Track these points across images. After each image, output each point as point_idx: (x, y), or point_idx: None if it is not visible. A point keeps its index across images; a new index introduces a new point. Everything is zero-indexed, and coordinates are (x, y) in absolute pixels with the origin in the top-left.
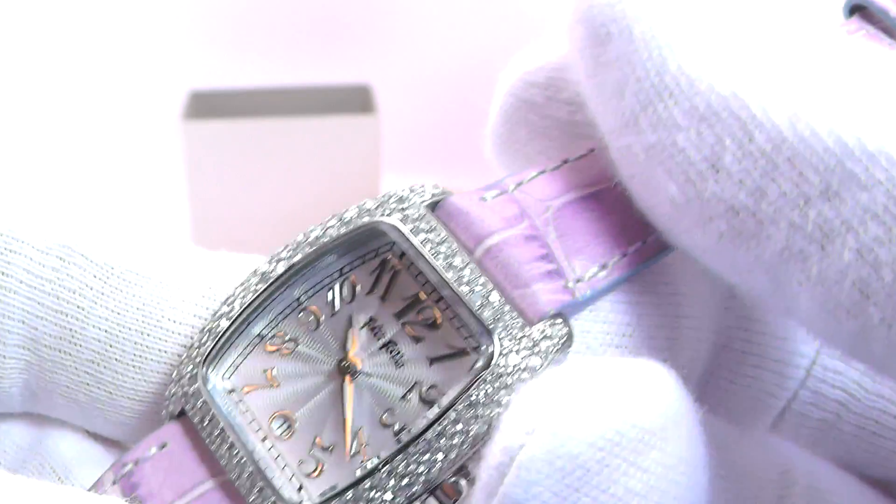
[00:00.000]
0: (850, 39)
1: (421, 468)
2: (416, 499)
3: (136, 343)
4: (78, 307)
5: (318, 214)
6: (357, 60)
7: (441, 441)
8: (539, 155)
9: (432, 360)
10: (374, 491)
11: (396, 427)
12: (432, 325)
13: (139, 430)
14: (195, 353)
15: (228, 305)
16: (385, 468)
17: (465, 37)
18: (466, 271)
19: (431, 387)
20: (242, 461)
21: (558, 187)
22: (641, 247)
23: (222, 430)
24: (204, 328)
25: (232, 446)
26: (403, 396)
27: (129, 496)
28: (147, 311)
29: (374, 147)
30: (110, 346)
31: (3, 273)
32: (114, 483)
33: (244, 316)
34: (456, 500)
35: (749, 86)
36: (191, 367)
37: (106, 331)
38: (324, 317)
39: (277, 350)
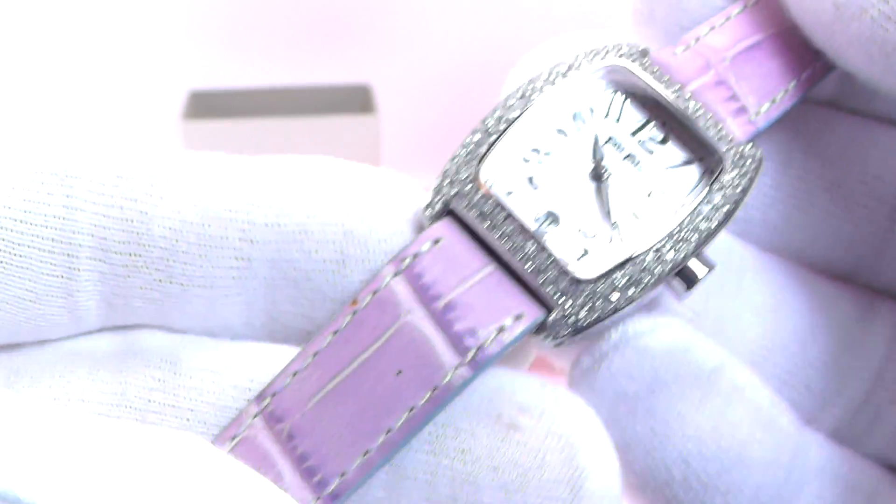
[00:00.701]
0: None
1: (671, 254)
2: (661, 280)
3: (198, 234)
4: (140, 211)
5: None
6: (357, 60)
7: (688, 229)
8: (676, 27)
9: (666, 169)
10: (640, 271)
11: (648, 220)
12: (662, 142)
13: (212, 317)
14: (464, 155)
15: (491, 121)
16: (645, 253)
17: (465, 37)
18: (690, 102)
19: (671, 190)
20: (522, 244)
21: (731, 38)
22: (809, 74)
23: (499, 219)
24: (468, 141)
25: (511, 232)
26: (649, 194)
27: (415, 285)
28: (204, 205)
29: (373, 147)
30: (176, 241)
31: (68, 195)
32: (396, 275)
33: (505, 128)
34: (694, 284)
35: None
36: (461, 169)
37: (170, 227)
38: (572, 132)
39: (534, 160)
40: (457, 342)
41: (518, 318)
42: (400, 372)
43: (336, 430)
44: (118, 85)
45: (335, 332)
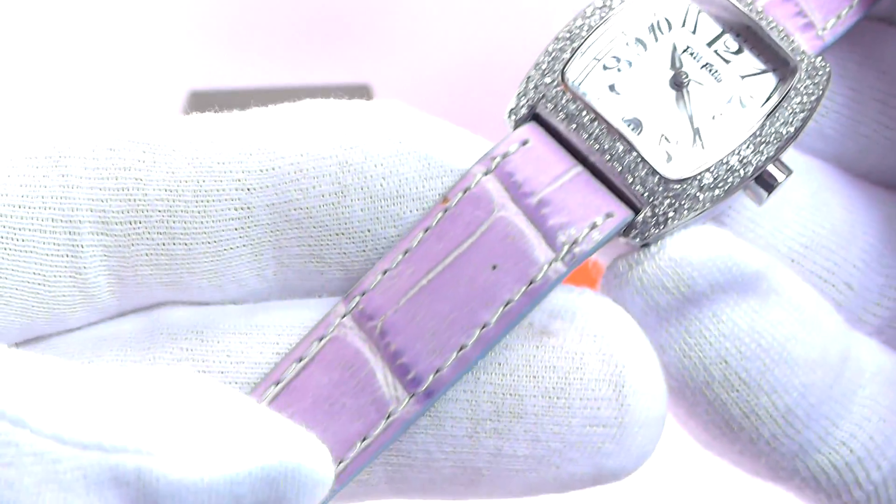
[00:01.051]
0: None
1: (754, 157)
2: (745, 182)
3: (194, 191)
4: (135, 179)
5: None
6: (357, 60)
7: (769, 133)
8: None
9: (743, 77)
10: (725, 172)
11: (729, 126)
12: (737, 52)
13: (223, 275)
14: (548, 61)
15: (574, 29)
16: (730, 156)
17: (465, 37)
18: (762, 15)
19: (749, 97)
20: (611, 144)
21: None
22: None
23: (585, 121)
24: (551, 49)
25: (598, 134)
26: (729, 101)
27: (506, 183)
28: (197, 161)
29: None
30: (173, 201)
31: (63, 175)
32: (486, 174)
33: (587, 35)
34: (773, 189)
35: None
36: (545, 74)
37: (166, 189)
38: (651, 42)
39: (615, 67)
40: (550, 238)
41: (608, 216)
42: (495, 266)
43: (430, 327)
44: (118, 84)
45: (426, 230)
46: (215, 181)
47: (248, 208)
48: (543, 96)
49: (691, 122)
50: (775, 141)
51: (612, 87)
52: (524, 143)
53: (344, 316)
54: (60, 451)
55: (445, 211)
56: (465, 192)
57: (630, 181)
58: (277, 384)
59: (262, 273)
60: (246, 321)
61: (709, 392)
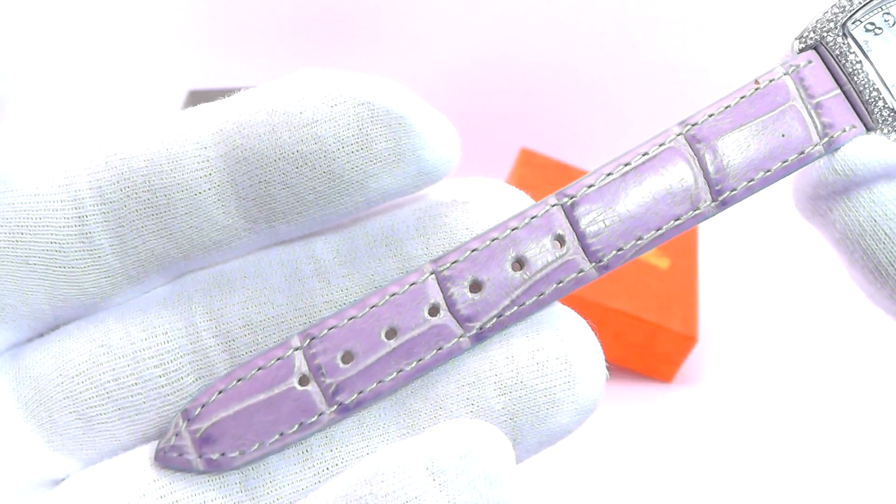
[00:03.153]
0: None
1: None
2: None
3: (167, 153)
4: (121, 158)
5: None
6: (357, 60)
7: None
8: None
9: None
10: None
11: None
12: None
13: (212, 227)
14: (834, 11)
15: None
16: None
17: (466, 37)
18: None
19: None
20: (864, 84)
21: None
22: None
23: (853, 60)
24: (840, 3)
25: (858, 73)
26: None
27: (798, 84)
28: (167, 134)
29: None
30: (151, 165)
31: (65, 171)
32: (785, 74)
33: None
34: None
35: None
36: (830, 21)
37: (144, 159)
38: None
39: (871, 31)
40: (822, 130)
41: (853, 127)
42: (784, 135)
43: (750, 159)
44: (118, 84)
45: (742, 97)
46: (181, 145)
47: (208, 160)
48: (826, 34)
49: None
50: None
51: (871, 43)
52: (809, 62)
53: (678, 135)
54: None
55: (756, 89)
56: (770, 81)
57: (872, 111)
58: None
59: (227, 210)
60: (260, 262)
61: (862, 242)
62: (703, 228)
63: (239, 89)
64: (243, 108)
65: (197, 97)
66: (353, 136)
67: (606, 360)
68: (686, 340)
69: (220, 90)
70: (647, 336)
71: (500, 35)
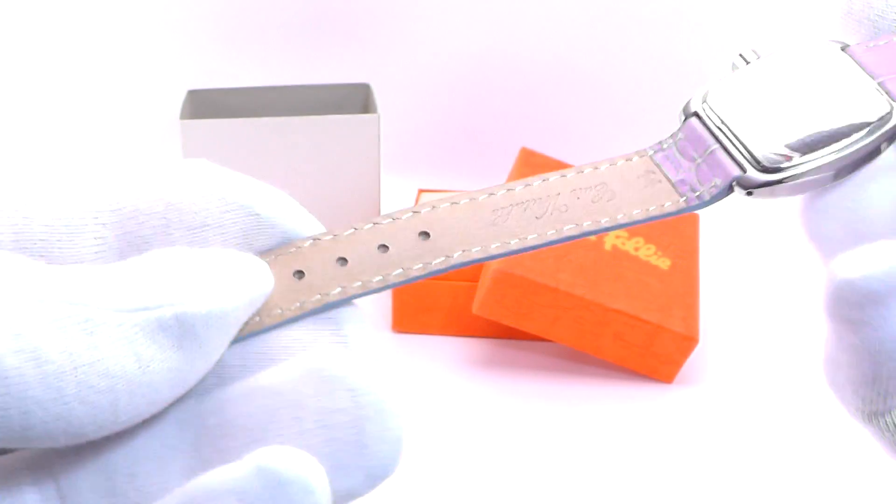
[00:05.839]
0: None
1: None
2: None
3: (66, 224)
4: (24, 217)
5: (317, 214)
6: (357, 60)
7: None
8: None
9: None
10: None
11: None
12: None
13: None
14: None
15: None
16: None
17: (465, 37)
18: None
19: None
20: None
21: None
22: None
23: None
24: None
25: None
26: None
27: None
28: (68, 205)
29: (373, 146)
30: (51, 232)
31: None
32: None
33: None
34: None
35: None
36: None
37: (44, 224)
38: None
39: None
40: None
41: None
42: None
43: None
44: (118, 84)
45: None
46: (81, 217)
47: (104, 238)
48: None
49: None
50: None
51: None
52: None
53: None
54: (120, 317)
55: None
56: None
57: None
58: None
59: None
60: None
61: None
62: (704, 229)
63: (239, 89)
64: (141, 192)
65: (196, 97)
66: (237, 250)
67: (607, 361)
68: (687, 341)
69: (220, 90)
70: (647, 336)
71: (500, 35)
